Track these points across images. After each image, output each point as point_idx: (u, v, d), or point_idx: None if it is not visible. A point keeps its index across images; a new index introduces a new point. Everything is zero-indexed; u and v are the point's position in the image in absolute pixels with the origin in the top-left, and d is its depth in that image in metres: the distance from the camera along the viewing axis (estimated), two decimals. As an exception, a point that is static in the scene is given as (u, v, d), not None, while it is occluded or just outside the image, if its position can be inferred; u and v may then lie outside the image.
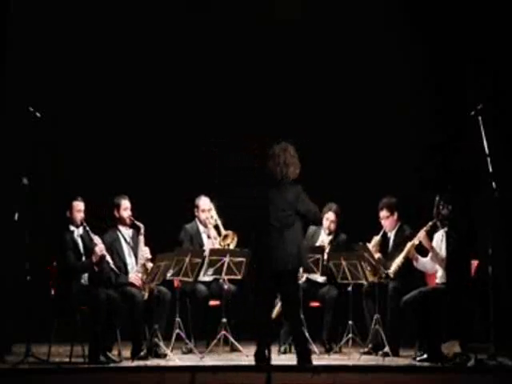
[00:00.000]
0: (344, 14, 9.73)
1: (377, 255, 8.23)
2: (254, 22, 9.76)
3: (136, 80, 9.73)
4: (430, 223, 7.93)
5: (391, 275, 8.08)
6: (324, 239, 8.67)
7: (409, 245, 8.04)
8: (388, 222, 8.38)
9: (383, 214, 8.38)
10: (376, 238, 8.33)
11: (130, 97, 9.75)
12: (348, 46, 9.72)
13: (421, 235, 7.96)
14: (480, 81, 9.15)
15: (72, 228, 7.85)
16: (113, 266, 7.94)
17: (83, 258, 7.81)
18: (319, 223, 8.22)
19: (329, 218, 8.67)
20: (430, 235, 8.04)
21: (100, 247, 7.78)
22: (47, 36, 9.42)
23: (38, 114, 7.85)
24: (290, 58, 9.80)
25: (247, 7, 9.74)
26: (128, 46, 9.72)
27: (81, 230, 7.88)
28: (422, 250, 8.09)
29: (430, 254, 8.02)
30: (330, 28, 9.71)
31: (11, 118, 8.66)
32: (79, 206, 7.84)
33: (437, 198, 7.87)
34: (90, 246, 7.82)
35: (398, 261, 8.08)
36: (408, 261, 8.09)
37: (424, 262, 8.08)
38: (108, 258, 7.89)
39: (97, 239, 7.82)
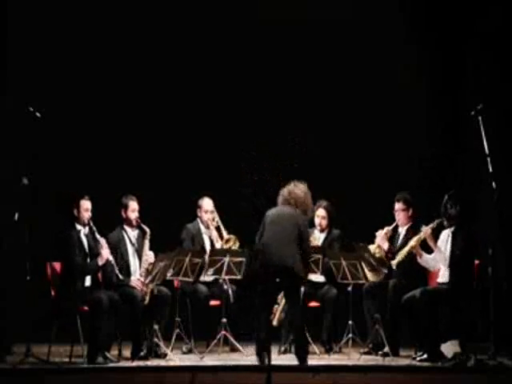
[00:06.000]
0: (342, 14, 9.73)
1: (385, 244, 8.24)
2: (256, 23, 9.79)
3: (136, 80, 9.73)
4: (437, 221, 7.89)
5: (394, 266, 8.07)
6: (317, 237, 8.67)
7: (415, 238, 8.02)
8: (402, 215, 8.34)
9: (399, 206, 8.35)
10: (387, 228, 8.32)
11: (130, 97, 9.75)
12: (347, 46, 9.72)
13: (427, 231, 7.92)
14: (480, 81, 9.15)
15: (79, 227, 7.81)
16: (117, 271, 7.88)
17: (88, 259, 7.76)
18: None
19: (319, 214, 8.67)
20: (435, 234, 7.99)
21: (107, 251, 7.75)
22: (47, 36, 9.44)
23: (38, 114, 7.85)
24: (289, 58, 9.80)
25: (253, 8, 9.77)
26: (128, 43, 9.72)
27: (87, 229, 7.84)
28: (426, 248, 8.07)
29: (434, 252, 8.00)
30: (331, 29, 9.71)
31: (11, 118, 8.66)
32: (86, 204, 7.78)
33: (445, 197, 7.85)
34: (94, 247, 7.79)
35: (403, 253, 8.07)
36: (411, 258, 8.06)
37: (427, 259, 8.03)
38: (113, 261, 7.84)
39: (102, 241, 7.77)
